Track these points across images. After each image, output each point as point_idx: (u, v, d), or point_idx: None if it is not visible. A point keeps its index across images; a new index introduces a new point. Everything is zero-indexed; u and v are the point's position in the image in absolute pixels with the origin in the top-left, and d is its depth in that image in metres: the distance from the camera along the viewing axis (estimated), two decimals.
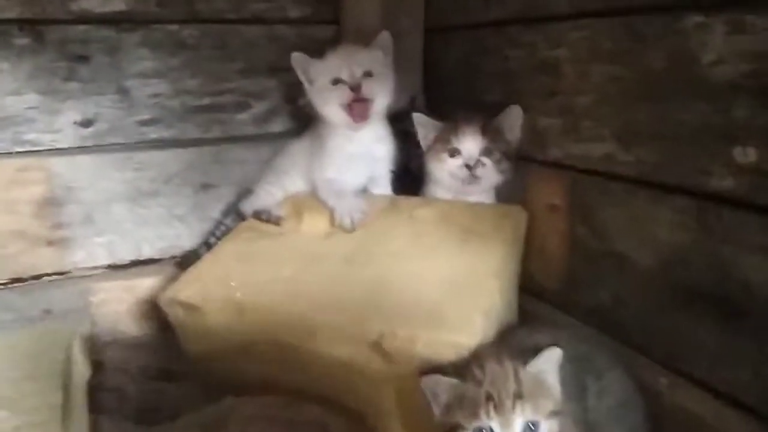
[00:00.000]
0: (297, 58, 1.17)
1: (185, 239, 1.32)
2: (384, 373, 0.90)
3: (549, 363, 0.77)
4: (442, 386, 0.77)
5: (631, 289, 0.95)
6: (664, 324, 0.90)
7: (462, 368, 0.79)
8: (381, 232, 1.11)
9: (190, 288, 1.03)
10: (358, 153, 1.21)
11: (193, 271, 1.07)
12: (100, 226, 1.25)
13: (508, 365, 0.76)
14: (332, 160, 1.21)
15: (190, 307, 1.00)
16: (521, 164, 1.14)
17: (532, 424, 0.73)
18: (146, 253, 1.31)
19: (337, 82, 1.14)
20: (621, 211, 0.94)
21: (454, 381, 0.77)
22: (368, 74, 1.14)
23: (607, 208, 0.97)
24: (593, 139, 0.98)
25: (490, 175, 1.12)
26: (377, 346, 0.89)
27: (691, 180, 0.83)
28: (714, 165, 0.80)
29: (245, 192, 1.29)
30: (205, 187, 1.33)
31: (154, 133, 1.27)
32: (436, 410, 0.78)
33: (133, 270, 1.30)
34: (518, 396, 0.73)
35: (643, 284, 0.92)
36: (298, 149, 1.29)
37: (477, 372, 0.76)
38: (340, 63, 1.15)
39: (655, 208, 0.88)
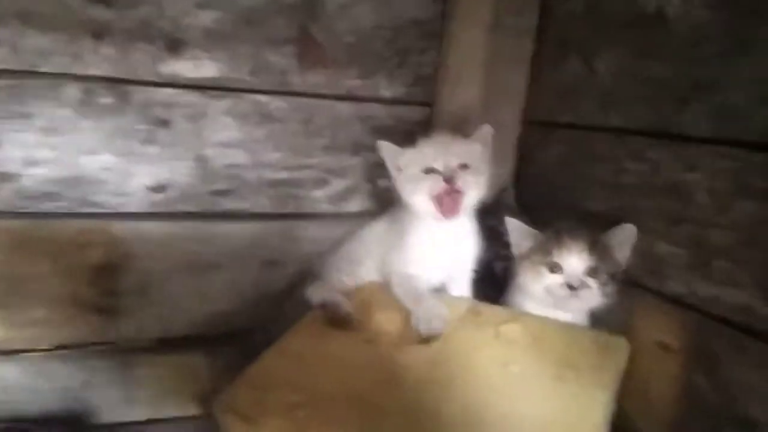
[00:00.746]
0: (385, 147, 1.09)
1: (244, 318, 1.22)
2: None
3: None
4: None
5: None
6: None
7: None
8: (462, 350, 0.99)
9: (245, 395, 0.92)
10: (440, 248, 1.10)
11: (251, 374, 0.96)
12: (156, 297, 1.17)
13: None
14: (412, 253, 1.10)
15: (245, 418, 0.89)
16: (628, 290, 1.01)
17: None
18: (201, 328, 1.21)
19: (429, 171, 1.05)
20: (758, 373, 0.80)
21: None
22: (464, 166, 1.04)
23: (738, 366, 0.83)
24: (728, 282, 0.85)
25: (593, 297, 1.00)
26: None
27: None
28: None
29: (312, 274, 1.19)
30: (271, 264, 1.23)
31: (227, 204, 1.18)
32: None
33: (184, 345, 1.20)
34: None
35: None
36: (374, 236, 1.19)
37: None
38: (435, 152, 1.06)
39: None
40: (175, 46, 1.07)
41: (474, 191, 1.06)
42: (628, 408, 0.98)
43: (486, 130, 1.09)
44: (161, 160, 1.12)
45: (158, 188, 1.13)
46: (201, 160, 1.14)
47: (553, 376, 0.93)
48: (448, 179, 1.03)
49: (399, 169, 1.10)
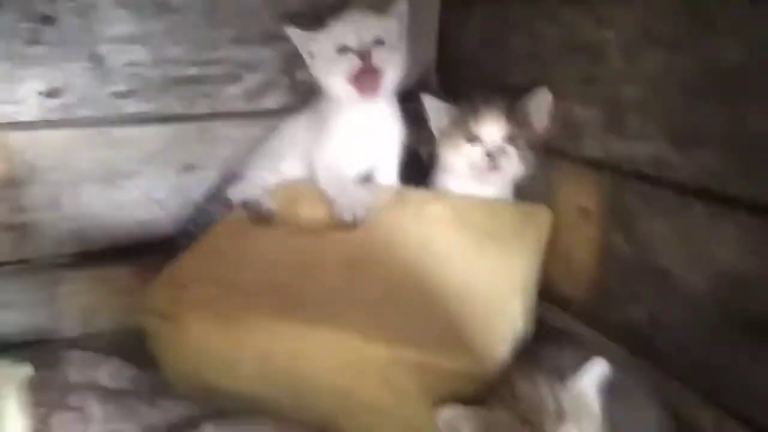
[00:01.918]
0: (294, 33, 1.02)
1: (164, 225, 1.18)
2: (389, 404, 0.78)
3: (591, 379, 0.66)
4: (465, 419, 0.65)
5: (674, 311, 0.82)
6: (713, 354, 0.78)
7: (486, 394, 0.67)
8: (387, 232, 0.97)
9: (165, 293, 0.89)
10: (363, 135, 1.07)
11: (170, 273, 0.93)
12: (67, 210, 1.11)
13: (543, 384, 0.65)
14: (334, 141, 1.07)
15: (165, 317, 0.87)
16: (548, 158, 1.00)
17: None
18: (120, 239, 1.16)
19: (343, 50, 0.99)
20: (670, 222, 0.81)
21: (479, 411, 0.65)
22: (379, 42, 0.99)
23: (652, 218, 0.84)
24: (639, 137, 0.84)
25: (513, 165, 0.98)
26: (381, 374, 0.77)
27: (763, 192, 0.70)
28: None
29: (233, 175, 1.14)
30: (188, 168, 1.18)
31: (131, 106, 1.11)
32: None
33: (106, 258, 1.15)
34: (559, 417, 0.62)
35: (690, 307, 0.79)
36: (295, 129, 1.15)
37: (507, 396, 0.65)
38: (347, 29, 1.00)
39: (714, 224, 0.75)
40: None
41: (391, 69, 1.01)
42: (555, 276, 1.00)
43: (401, 5, 1.03)
44: (51, 62, 1.03)
45: (52, 93, 1.05)
46: (96, 59, 1.06)
47: (475, 247, 0.92)
48: (363, 56, 0.98)
49: (312, 55, 1.04)
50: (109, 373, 0.98)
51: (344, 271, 0.90)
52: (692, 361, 0.81)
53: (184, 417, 0.87)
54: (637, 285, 0.87)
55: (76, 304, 1.14)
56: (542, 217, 0.99)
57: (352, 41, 0.98)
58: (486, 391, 0.68)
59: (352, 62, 0.98)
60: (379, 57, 0.98)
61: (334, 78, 1.01)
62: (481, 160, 0.97)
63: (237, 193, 1.09)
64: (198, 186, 1.19)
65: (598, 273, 0.93)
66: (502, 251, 0.91)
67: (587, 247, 0.94)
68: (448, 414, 0.66)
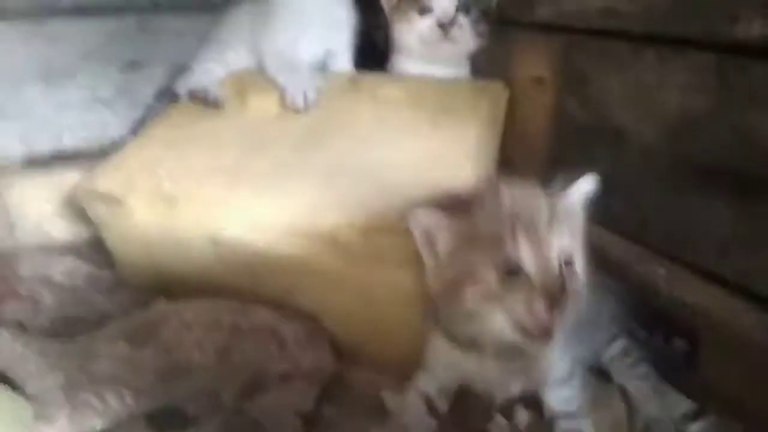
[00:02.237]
0: None
1: (113, 128, 1.14)
2: (341, 270, 0.77)
3: (581, 194, 0.62)
4: (444, 224, 0.59)
5: (628, 170, 0.81)
6: (666, 207, 0.78)
7: (466, 203, 0.60)
8: (339, 114, 0.95)
9: (111, 178, 0.86)
10: (313, 16, 1.02)
11: (115, 160, 0.90)
12: (10, 112, 1.06)
13: (537, 192, 0.60)
14: (283, 26, 1.02)
15: (111, 201, 0.84)
16: (503, 31, 0.97)
17: (566, 257, 0.57)
18: (68, 143, 1.12)
19: None
20: (622, 77, 0.79)
21: (459, 220, 0.59)
22: None
23: (604, 76, 0.82)
24: None
25: (467, 37, 0.95)
26: (333, 240, 0.75)
27: (711, 30, 0.68)
28: (740, 8, 0.65)
29: (181, 70, 1.10)
30: (133, 65, 1.13)
31: None
32: (432, 261, 0.61)
33: (55, 163, 1.11)
34: (554, 217, 0.57)
35: (643, 162, 0.79)
36: (242, 16, 1.09)
37: (491, 201, 0.59)
38: None
39: (664, 69, 0.74)
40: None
41: None
42: (512, 154, 0.98)
43: None
44: None
45: None
46: None
47: (430, 123, 0.90)
48: None
49: None
50: (62, 270, 0.96)
51: (294, 149, 0.88)
52: (643, 217, 0.81)
53: (139, 302, 0.85)
54: (592, 147, 0.85)
55: (28, 213, 1.10)
56: (497, 92, 0.97)
57: None
58: (467, 200, 0.61)
59: None
60: None
61: None
62: (433, 31, 0.94)
63: (183, 84, 1.04)
64: (145, 85, 1.14)
65: (553, 140, 0.92)
66: (456, 123, 0.89)
67: (543, 114, 0.92)
68: (424, 218, 0.59)
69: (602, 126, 0.83)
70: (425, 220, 0.60)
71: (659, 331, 0.77)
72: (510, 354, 0.61)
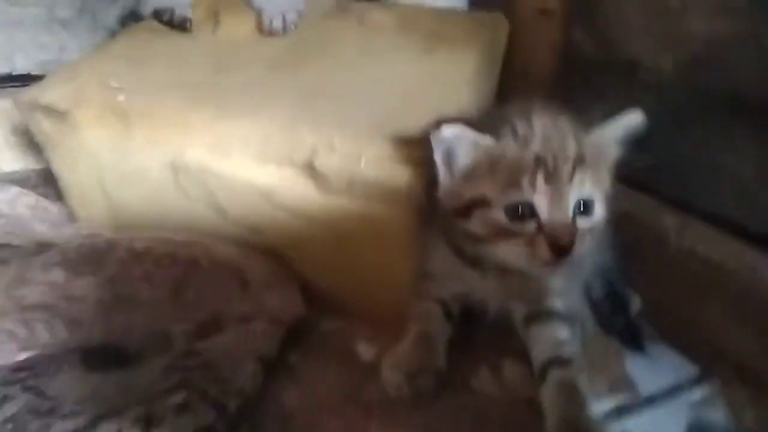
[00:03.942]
0: None
1: (72, 52, 1.03)
2: (316, 203, 0.68)
3: (622, 131, 0.57)
4: (467, 141, 0.54)
5: (639, 102, 0.72)
6: (681, 150, 0.70)
7: (494, 123, 0.56)
8: (322, 37, 0.85)
9: (58, 90, 0.76)
10: None
11: (64, 71, 0.80)
12: None
13: (567, 126, 0.55)
14: None
15: (56, 115, 0.74)
16: None
17: (585, 204, 0.54)
18: (21, 66, 1.01)
19: None
20: (639, 1, 0.71)
21: (484, 137, 0.55)
22: None
23: (618, 2, 0.73)
24: None
25: None
26: (308, 167, 0.66)
27: None
28: None
29: None
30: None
31: None
32: (446, 177, 0.56)
33: (7, 89, 1.00)
34: (578, 162, 0.53)
35: (658, 99, 0.70)
36: None
37: (522, 127, 0.55)
38: None
39: None
40: None
41: None
42: (512, 90, 0.89)
43: None
44: None
45: None
46: None
47: (423, 49, 0.81)
48: None
49: None
50: (3, 198, 0.86)
51: (268, 69, 0.78)
52: (654, 162, 0.72)
53: (88, 236, 0.76)
54: (600, 83, 0.77)
55: None
56: (498, 23, 0.88)
57: None
58: (496, 119, 0.57)
59: None
60: None
61: None
62: None
63: (149, 4, 0.94)
64: (108, 5, 1.03)
65: (558, 77, 0.83)
66: (452, 50, 0.80)
67: (547, 50, 0.84)
68: (449, 132, 0.54)
69: (613, 59, 0.75)
70: (451, 134, 0.55)
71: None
72: (512, 273, 0.59)
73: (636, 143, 0.69)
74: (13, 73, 1.02)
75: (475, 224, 0.56)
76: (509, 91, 0.88)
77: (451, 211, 0.57)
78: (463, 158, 0.55)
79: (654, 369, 0.67)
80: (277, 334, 0.64)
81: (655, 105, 0.70)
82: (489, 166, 0.54)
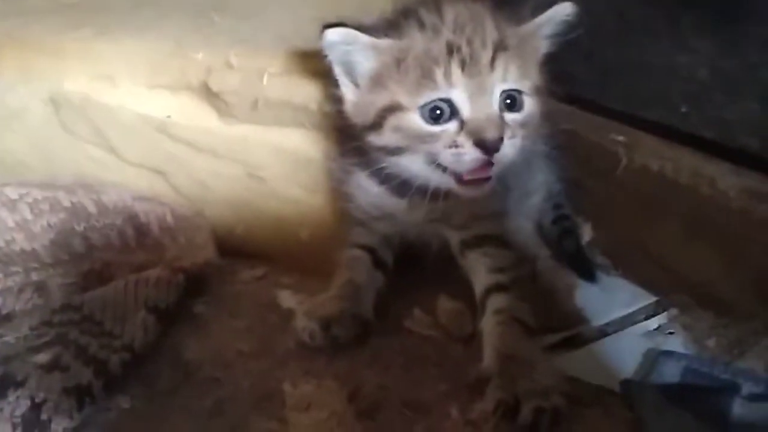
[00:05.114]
0: None
1: None
2: (220, 133, 0.59)
3: (551, 22, 0.50)
4: (363, 45, 0.47)
5: (582, 10, 0.65)
6: (630, 58, 0.62)
7: (397, 20, 0.49)
8: None
9: None
10: None
11: None
12: None
13: (482, 10, 0.49)
14: None
15: None
16: None
17: (510, 97, 0.47)
18: None
19: None
20: None
21: (384, 39, 0.48)
22: None
23: None
24: None
25: None
26: (206, 90, 0.58)
27: None
28: None
29: None
30: None
31: None
32: (350, 90, 0.49)
33: None
34: (500, 48, 0.46)
35: None
36: None
37: (429, 17, 0.47)
38: None
39: None
40: None
41: None
42: None
43: None
44: None
45: None
46: None
47: None
48: None
49: None
50: None
51: None
52: (600, 76, 0.65)
53: None
54: None
55: None
56: None
57: None
58: (396, 19, 0.50)
59: None
60: None
61: None
62: None
63: None
64: None
65: None
66: None
67: None
68: (339, 36, 0.47)
69: None
70: (338, 38, 0.47)
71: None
72: (440, 198, 0.51)
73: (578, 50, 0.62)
74: None
75: (389, 136, 0.48)
76: None
77: (361, 127, 0.49)
78: (364, 65, 0.48)
79: (607, 299, 0.61)
80: (176, 283, 0.55)
81: (602, 6, 0.63)
82: (396, 67, 0.47)
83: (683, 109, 0.59)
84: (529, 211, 0.65)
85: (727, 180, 0.55)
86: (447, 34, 0.46)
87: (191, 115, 0.59)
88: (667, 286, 0.60)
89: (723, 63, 0.55)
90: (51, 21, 0.63)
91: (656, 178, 0.59)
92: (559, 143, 0.63)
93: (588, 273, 0.62)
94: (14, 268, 0.54)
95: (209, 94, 0.58)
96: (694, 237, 0.57)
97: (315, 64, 0.55)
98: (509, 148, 0.46)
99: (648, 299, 0.61)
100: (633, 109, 0.63)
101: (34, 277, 0.54)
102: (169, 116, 0.59)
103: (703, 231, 0.56)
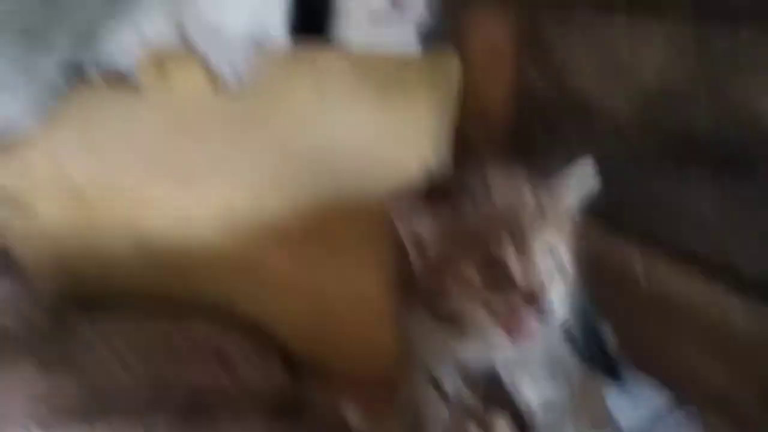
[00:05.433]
0: None
1: (13, 112, 0.98)
2: (288, 269, 0.67)
3: (576, 179, 0.60)
4: (433, 228, 0.55)
5: (598, 148, 0.74)
6: (642, 188, 0.72)
7: (453, 193, 0.57)
8: (276, 89, 0.84)
9: (8, 172, 0.72)
10: None
11: (12, 149, 0.76)
12: None
13: (521, 180, 0.58)
14: None
15: (9, 200, 0.70)
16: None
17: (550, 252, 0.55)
18: None
19: None
20: (589, 43, 0.73)
21: (443, 212, 0.56)
22: None
23: (568, 43, 0.75)
24: None
25: (416, 8, 0.86)
26: (277, 233, 0.67)
27: None
28: None
29: (87, 39, 0.95)
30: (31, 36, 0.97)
31: None
32: (420, 261, 0.56)
33: None
34: (540, 219, 0.55)
35: (615, 139, 0.73)
36: None
37: (480, 194, 0.56)
38: None
39: (637, 34, 0.67)
40: None
41: None
42: (469, 131, 0.90)
43: None
44: None
45: None
46: None
47: (377, 100, 0.81)
48: None
49: None
50: None
51: (226, 131, 0.77)
52: (617, 199, 0.75)
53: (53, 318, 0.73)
54: (556, 123, 0.79)
55: None
56: (450, 63, 0.87)
57: None
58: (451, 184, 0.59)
59: None
60: None
61: None
62: (384, 5, 0.85)
63: (91, 57, 0.90)
64: (43, 57, 0.98)
65: (514, 116, 0.85)
66: (406, 98, 0.80)
67: (501, 89, 0.85)
68: (409, 220, 0.55)
69: (567, 99, 0.77)
70: (411, 221, 0.55)
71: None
72: None
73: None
74: None
75: (449, 293, 0.55)
76: (466, 129, 0.89)
77: (425, 281, 0.57)
78: (432, 243, 0.56)
79: (632, 400, 0.69)
80: (263, 412, 0.63)
81: (614, 146, 0.73)
82: (454, 234, 0.55)
83: (692, 239, 0.68)
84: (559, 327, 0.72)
85: (732, 303, 0.65)
86: (496, 211, 0.55)
87: (263, 253, 0.67)
88: (686, 389, 0.69)
89: (725, 203, 0.65)
90: (134, 170, 0.71)
91: (671, 299, 0.69)
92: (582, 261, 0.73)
93: (616, 375, 0.71)
94: (121, 410, 0.62)
95: (281, 238, 0.66)
96: (709, 352, 0.66)
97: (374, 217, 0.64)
98: (550, 294, 0.54)
99: (668, 397, 0.69)
100: (649, 235, 0.72)
101: (141, 415, 0.61)
102: None
103: (716, 347, 0.66)
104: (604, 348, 0.73)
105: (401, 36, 0.91)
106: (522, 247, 0.53)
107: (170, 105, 0.83)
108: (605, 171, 0.73)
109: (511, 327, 0.54)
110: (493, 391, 0.66)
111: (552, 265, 0.55)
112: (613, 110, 0.72)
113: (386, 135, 0.76)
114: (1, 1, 0.92)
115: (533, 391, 0.65)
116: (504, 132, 0.86)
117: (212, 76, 0.85)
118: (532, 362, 0.66)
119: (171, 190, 0.69)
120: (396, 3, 0.84)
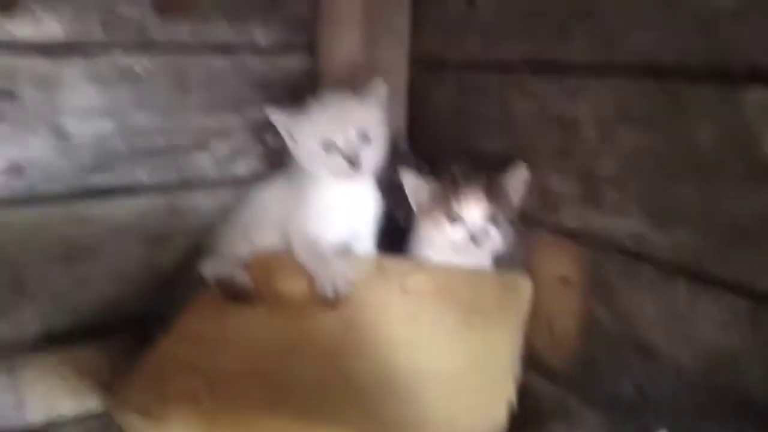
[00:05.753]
0: (276, 116, 1.02)
1: (134, 302, 1.13)
2: None
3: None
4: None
5: (662, 384, 0.83)
6: (702, 429, 0.79)
7: None
8: (371, 308, 0.96)
9: (146, 387, 0.85)
10: (342, 207, 1.06)
11: (147, 363, 0.89)
12: (32, 290, 1.05)
13: None
14: (313, 213, 1.06)
15: (145, 414, 0.82)
16: (525, 227, 1.01)
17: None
18: (87, 319, 1.11)
19: (329, 147, 0.99)
20: (652, 298, 0.82)
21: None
22: (365, 138, 1.00)
23: (633, 291, 0.85)
24: (617, 212, 0.86)
25: (495, 243, 0.99)
26: None
27: (741, 275, 0.72)
28: None
29: (205, 248, 1.11)
30: (158, 241, 1.14)
31: (97, 179, 1.07)
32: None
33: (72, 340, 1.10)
34: None
35: (678, 381, 0.80)
36: (269, 199, 1.13)
37: None
38: (331, 122, 1.00)
39: (696, 301, 0.77)
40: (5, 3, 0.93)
41: (375, 161, 1.03)
42: (538, 346, 1.00)
43: (379, 87, 1.03)
44: (13, 138, 0.99)
45: (14, 170, 1.00)
46: (60, 133, 1.02)
47: (461, 323, 0.92)
48: (352, 160, 0.98)
49: (294, 139, 1.03)
50: None
51: (332, 355, 0.88)
52: None
53: None
54: (623, 357, 0.87)
55: (41, 389, 1.08)
56: (523, 287, 0.99)
57: (338, 139, 0.98)
58: None
59: (341, 166, 0.99)
60: (365, 157, 0.99)
61: (319, 170, 1.02)
62: (464, 240, 0.97)
63: (209, 268, 1.05)
64: (168, 259, 1.15)
65: (582, 343, 0.94)
66: (488, 325, 0.91)
67: (570, 316, 0.95)
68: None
69: (633, 339, 0.85)
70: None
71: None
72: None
73: None
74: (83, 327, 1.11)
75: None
76: (538, 348, 0.98)
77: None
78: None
79: None
80: None
81: (678, 388, 0.81)
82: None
83: None
84: None
85: None
86: None
87: None
88: None
89: None
90: (254, 393, 0.82)
91: None
92: None
93: None
94: None
95: None
96: None
97: None
98: None
99: None
100: None
101: None
102: None
103: None
104: None
105: (478, 261, 1.03)
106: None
107: (279, 319, 0.96)
108: (672, 410, 0.81)
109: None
110: None
111: None
112: (678, 359, 0.80)
113: (470, 357, 0.86)
114: (143, 217, 1.10)
115: None
116: (573, 356, 0.95)
117: (315, 288, 0.98)
118: None
119: (289, 420, 0.79)
120: (475, 239, 0.96)
